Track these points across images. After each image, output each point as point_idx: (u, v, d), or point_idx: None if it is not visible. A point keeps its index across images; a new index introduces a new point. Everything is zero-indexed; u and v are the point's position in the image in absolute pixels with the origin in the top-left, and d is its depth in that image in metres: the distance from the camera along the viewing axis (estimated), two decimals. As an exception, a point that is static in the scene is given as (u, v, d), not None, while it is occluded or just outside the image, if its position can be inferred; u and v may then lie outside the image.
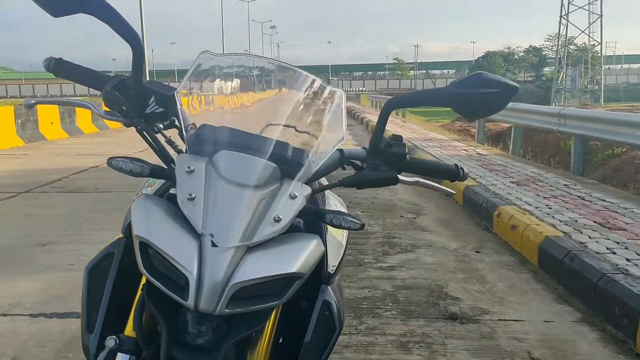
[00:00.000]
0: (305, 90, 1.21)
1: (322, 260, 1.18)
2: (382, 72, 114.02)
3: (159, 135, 1.16)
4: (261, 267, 0.92)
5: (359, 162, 1.19)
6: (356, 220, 1.07)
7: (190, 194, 0.97)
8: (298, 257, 0.96)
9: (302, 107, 1.21)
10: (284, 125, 1.17)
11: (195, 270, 0.88)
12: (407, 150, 1.16)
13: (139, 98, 1.13)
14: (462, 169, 1.22)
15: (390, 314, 2.96)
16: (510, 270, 3.70)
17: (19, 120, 11.44)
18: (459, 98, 1.10)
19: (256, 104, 1.29)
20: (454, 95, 1.10)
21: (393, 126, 14.47)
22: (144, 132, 1.14)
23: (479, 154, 8.75)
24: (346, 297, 1.19)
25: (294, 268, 0.94)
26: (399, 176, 1.15)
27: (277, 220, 0.98)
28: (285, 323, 1.16)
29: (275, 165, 1.05)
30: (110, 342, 0.96)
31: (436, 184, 1.24)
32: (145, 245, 0.92)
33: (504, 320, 2.91)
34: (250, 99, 1.27)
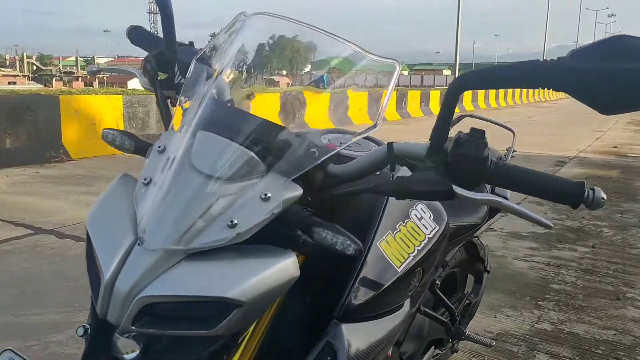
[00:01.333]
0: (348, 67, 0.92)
1: (340, 286, 0.90)
2: None
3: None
4: (186, 282, 0.70)
5: (416, 163, 0.82)
6: (351, 244, 0.74)
7: (147, 179, 0.79)
8: (243, 279, 0.70)
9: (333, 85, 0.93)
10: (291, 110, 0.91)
11: (110, 272, 0.71)
12: (488, 152, 0.74)
13: (171, 67, 1.02)
14: (592, 189, 0.72)
15: (632, 371, 2.27)
16: None
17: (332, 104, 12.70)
18: (578, 77, 0.66)
19: (284, 79, 1.05)
20: (571, 71, 0.66)
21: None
22: (161, 105, 1.01)
23: None
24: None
25: (229, 292, 0.69)
26: (459, 189, 0.75)
27: (231, 225, 0.73)
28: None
29: (251, 153, 0.78)
30: (80, 330, 0.84)
31: (523, 209, 0.77)
32: None
33: None
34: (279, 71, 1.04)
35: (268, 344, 0.86)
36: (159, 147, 0.83)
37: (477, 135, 0.75)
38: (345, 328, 0.90)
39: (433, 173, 0.77)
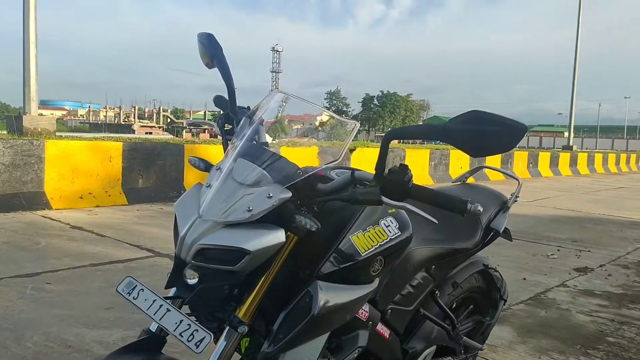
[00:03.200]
0: (324, 124, 1.43)
1: (321, 258, 1.37)
2: None
3: None
4: (221, 238, 1.23)
5: (366, 183, 1.31)
6: (314, 224, 1.24)
7: (208, 184, 1.35)
8: (251, 239, 1.22)
9: (317, 135, 1.43)
10: (291, 144, 1.41)
11: (184, 231, 1.27)
12: (408, 178, 1.22)
13: (232, 122, 1.59)
14: (472, 204, 1.19)
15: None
16: None
17: (433, 162, 13.19)
18: (454, 134, 1.15)
19: (290, 130, 1.55)
20: (450, 130, 1.15)
21: None
22: (224, 144, 1.58)
23: None
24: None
25: (242, 245, 1.22)
26: (385, 199, 1.23)
27: (249, 210, 1.25)
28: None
29: (263, 171, 1.31)
30: (168, 274, 1.34)
31: (421, 211, 1.24)
32: None
33: None
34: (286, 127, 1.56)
35: (273, 288, 1.34)
36: (217, 167, 1.40)
37: (403, 168, 1.25)
38: (321, 284, 1.34)
39: (373, 189, 1.26)
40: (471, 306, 2.22)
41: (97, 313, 3.26)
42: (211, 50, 1.56)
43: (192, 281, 1.27)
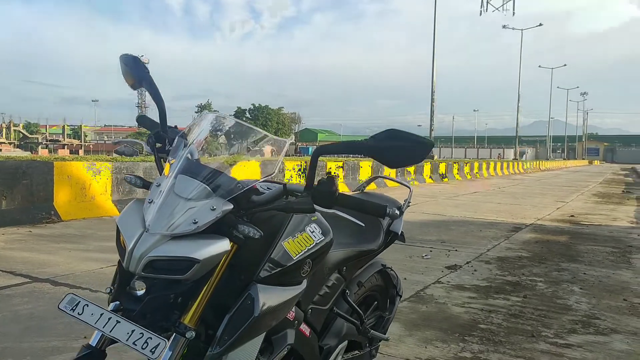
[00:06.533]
0: (258, 140, 1.58)
1: (258, 264, 1.49)
2: None
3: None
4: (170, 249, 1.32)
5: (298, 194, 1.44)
6: (257, 232, 1.38)
7: (150, 199, 1.43)
8: (199, 248, 1.32)
9: (252, 151, 1.58)
10: (227, 162, 1.54)
11: (131, 245, 1.32)
12: (335, 188, 1.37)
13: (164, 140, 1.63)
14: (391, 209, 1.39)
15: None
16: None
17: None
18: (374, 150, 1.34)
19: (224, 148, 1.67)
20: (369, 147, 1.34)
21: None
22: (157, 162, 1.63)
23: None
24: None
25: (192, 254, 1.31)
26: (317, 207, 1.39)
27: (195, 222, 1.36)
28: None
29: (205, 185, 1.42)
30: (107, 289, 1.42)
31: (349, 216, 1.44)
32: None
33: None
34: (220, 146, 1.68)
35: (217, 292, 1.43)
36: (157, 183, 1.47)
37: (330, 179, 1.40)
38: (259, 287, 1.47)
39: (305, 199, 1.41)
40: (375, 303, 2.44)
41: (-22, 346, 3.02)
42: (137, 73, 1.60)
43: (140, 292, 1.33)
